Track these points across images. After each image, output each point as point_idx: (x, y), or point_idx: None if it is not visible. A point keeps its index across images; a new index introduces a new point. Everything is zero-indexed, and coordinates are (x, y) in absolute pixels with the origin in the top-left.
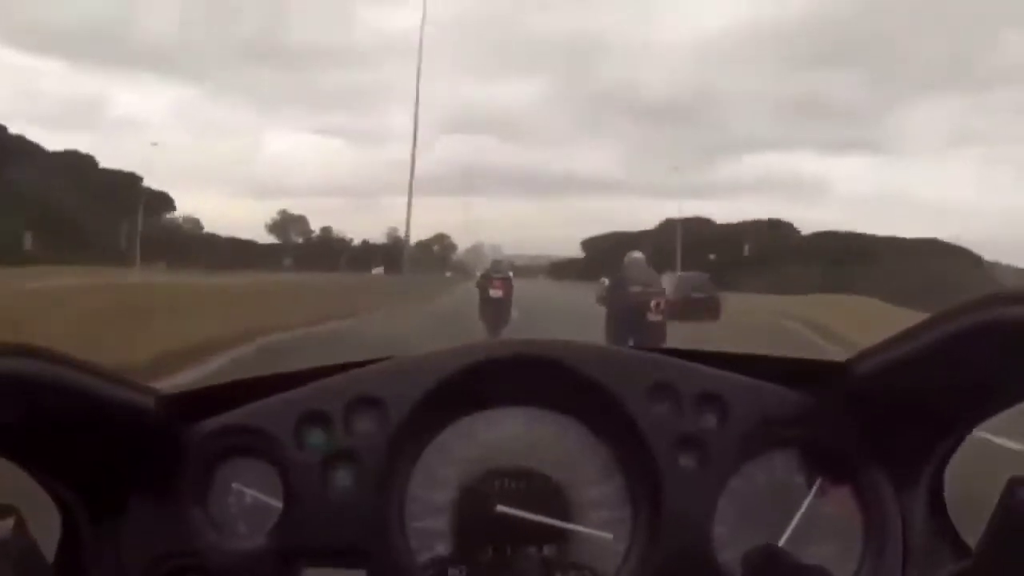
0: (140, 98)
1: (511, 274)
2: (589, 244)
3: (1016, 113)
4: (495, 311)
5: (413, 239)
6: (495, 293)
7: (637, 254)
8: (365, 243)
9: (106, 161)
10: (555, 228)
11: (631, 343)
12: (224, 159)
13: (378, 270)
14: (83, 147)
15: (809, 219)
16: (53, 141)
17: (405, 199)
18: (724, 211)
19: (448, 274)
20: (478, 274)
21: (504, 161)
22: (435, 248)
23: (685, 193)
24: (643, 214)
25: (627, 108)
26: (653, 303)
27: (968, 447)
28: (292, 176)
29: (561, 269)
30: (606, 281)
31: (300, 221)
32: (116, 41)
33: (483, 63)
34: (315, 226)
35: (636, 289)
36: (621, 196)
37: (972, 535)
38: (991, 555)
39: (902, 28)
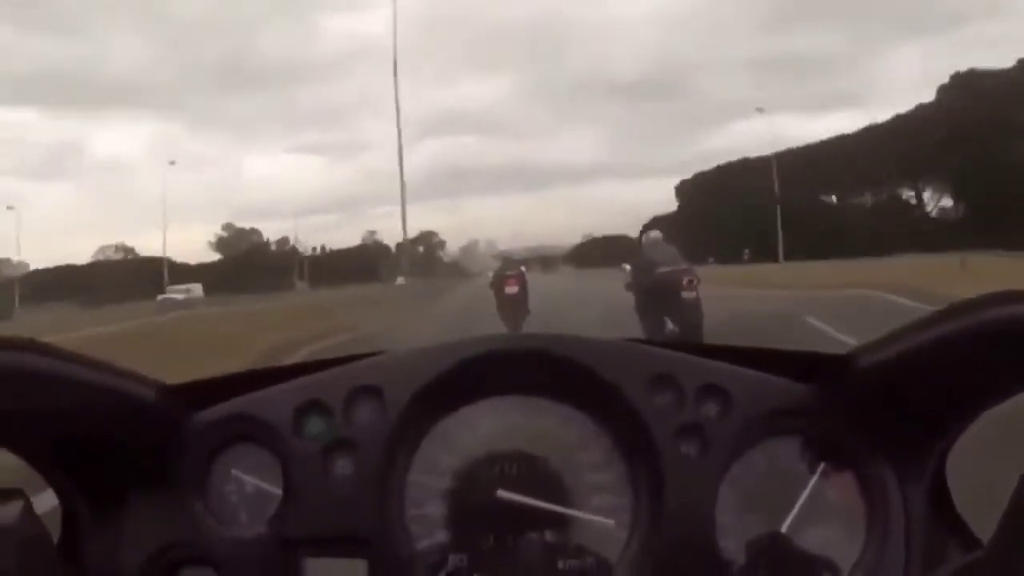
0: (118, 138)
1: (523, 268)
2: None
3: (991, 45)
4: (513, 306)
5: (394, 240)
6: (510, 290)
7: (655, 233)
8: (324, 251)
9: (90, 206)
10: (548, 218)
11: (670, 325)
12: (206, 189)
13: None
14: (67, 194)
15: None
16: (39, 192)
17: (390, 208)
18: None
19: (400, 280)
20: (489, 274)
21: (489, 159)
22: (420, 249)
23: (671, 169)
24: (630, 196)
25: (604, 90)
26: (685, 280)
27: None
28: (275, 198)
29: (550, 262)
30: (628, 267)
31: (252, 234)
32: (87, 83)
33: (453, 63)
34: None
35: (664, 269)
36: (606, 180)
37: (979, 527)
38: (1004, 548)
39: None
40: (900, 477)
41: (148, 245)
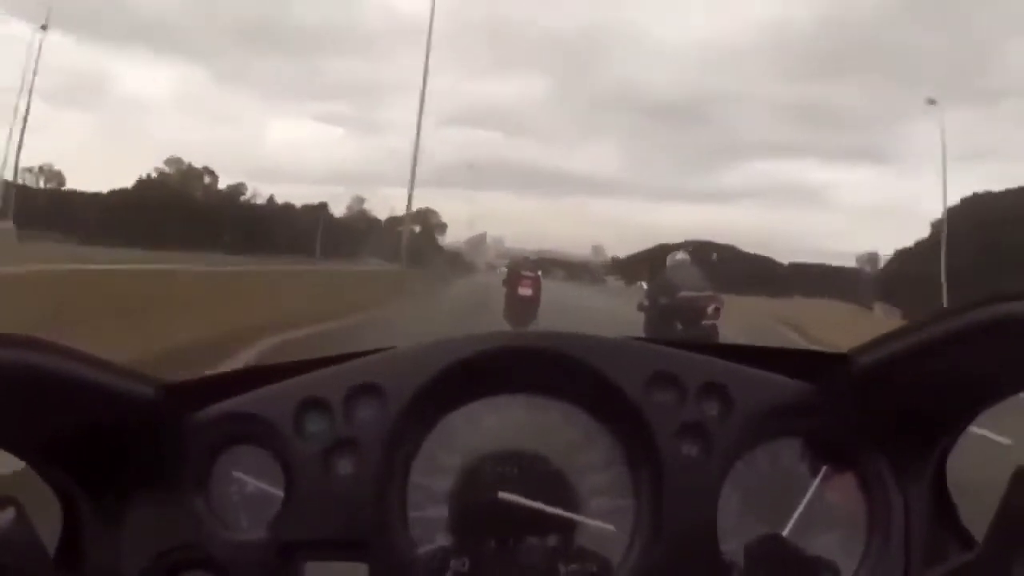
0: (143, 77)
1: (539, 273)
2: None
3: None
4: (523, 309)
5: (383, 214)
6: (524, 291)
7: (682, 255)
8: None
9: (111, 138)
10: (561, 226)
11: None
12: (225, 144)
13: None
14: (88, 126)
15: (811, 227)
16: (60, 119)
17: (405, 190)
18: (725, 217)
19: (373, 262)
20: (502, 269)
21: (507, 157)
22: (417, 228)
23: (687, 197)
24: (643, 217)
25: (631, 107)
26: (711, 307)
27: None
28: (292, 163)
29: (576, 270)
30: (645, 285)
31: (205, 174)
32: (117, 15)
33: (488, 57)
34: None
35: (687, 293)
36: (622, 197)
37: (974, 525)
38: (997, 547)
39: (910, 37)
40: (900, 477)
41: None
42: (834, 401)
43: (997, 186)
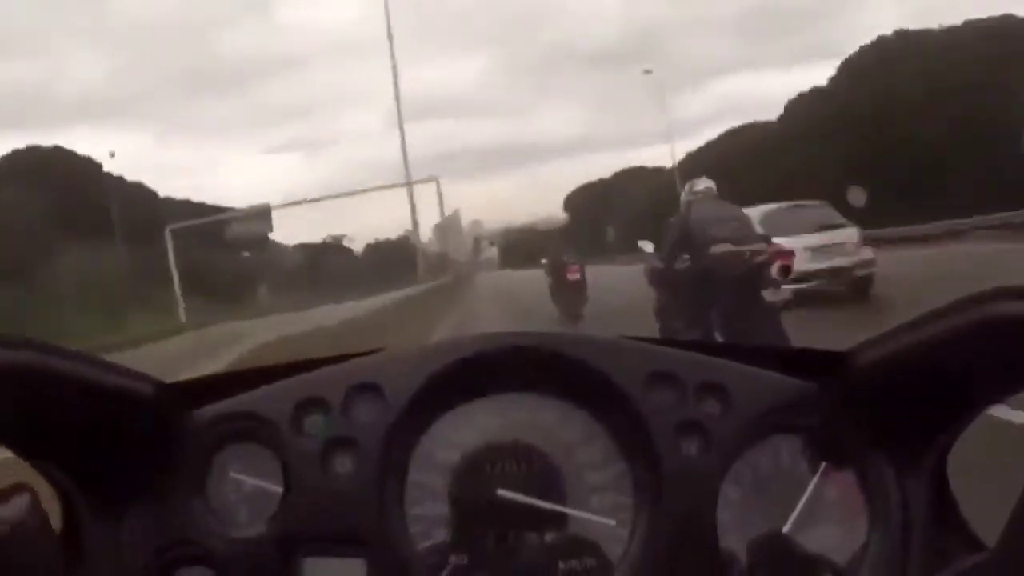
0: (89, 155)
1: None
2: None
3: None
4: (575, 293)
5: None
6: (573, 276)
7: (704, 183)
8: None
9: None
10: (534, 197)
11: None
12: (185, 193)
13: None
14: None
15: None
16: None
17: (372, 199)
18: (692, 147)
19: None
20: (485, 248)
21: (469, 140)
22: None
23: (651, 138)
24: (620, 166)
25: (578, 62)
26: (777, 266)
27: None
28: (254, 201)
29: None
30: (649, 246)
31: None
32: (46, 102)
33: (425, 45)
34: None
35: (724, 245)
36: (588, 153)
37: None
38: (1012, 549)
39: None
40: (901, 475)
41: None
42: (834, 399)
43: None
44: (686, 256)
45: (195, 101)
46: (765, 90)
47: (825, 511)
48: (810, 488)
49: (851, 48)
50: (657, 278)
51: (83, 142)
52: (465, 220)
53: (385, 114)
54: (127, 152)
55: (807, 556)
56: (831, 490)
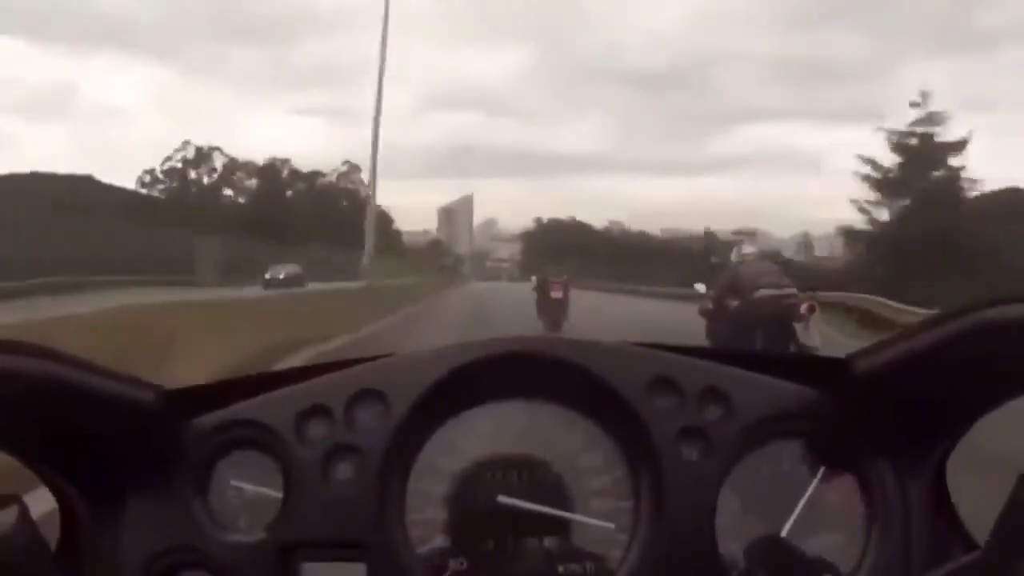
0: (112, 82)
1: (565, 277)
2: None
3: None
4: (555, 308)
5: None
6: (556, 294)
7: (751, 247)
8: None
9: (80, 150)
10: (546, 206)
11: None
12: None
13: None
14: (62, 137)
15: (804, 190)
16: (33, 133)
17: (394, 181)
18: (715, 186)
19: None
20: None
21: (492, 139)
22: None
23: (675, 168)
24: (632, 190)
25: (615, 78)
26: (804, 307)
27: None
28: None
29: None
30: (702, 288)
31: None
32: (81, 18)
33: (464, 31)
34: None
35: (766, 292)
36: (610, 173)
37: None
38: (1000, 550)
39: None
40: (900, 480)
41: None
42: (834, 405)
43: (994, 141)
44: (734, 299)
45: (222, 47)
46: (793, 141)
47: (824, 515)
48: (809, 492)
49: (888, 111)
50: (710, 314)
51: (114, 69)
52: (478, 217)
53: (415, 98)
54: (152, 90)
55: (805, 559)
56: (831, 495)
